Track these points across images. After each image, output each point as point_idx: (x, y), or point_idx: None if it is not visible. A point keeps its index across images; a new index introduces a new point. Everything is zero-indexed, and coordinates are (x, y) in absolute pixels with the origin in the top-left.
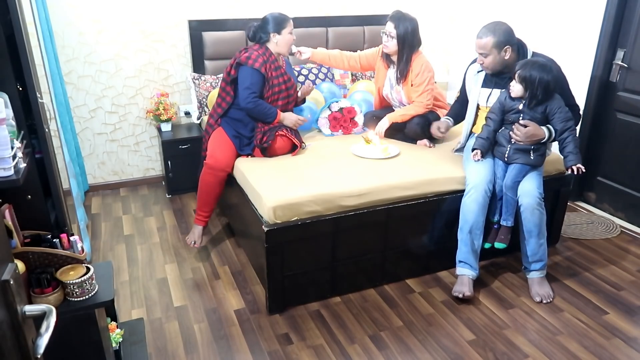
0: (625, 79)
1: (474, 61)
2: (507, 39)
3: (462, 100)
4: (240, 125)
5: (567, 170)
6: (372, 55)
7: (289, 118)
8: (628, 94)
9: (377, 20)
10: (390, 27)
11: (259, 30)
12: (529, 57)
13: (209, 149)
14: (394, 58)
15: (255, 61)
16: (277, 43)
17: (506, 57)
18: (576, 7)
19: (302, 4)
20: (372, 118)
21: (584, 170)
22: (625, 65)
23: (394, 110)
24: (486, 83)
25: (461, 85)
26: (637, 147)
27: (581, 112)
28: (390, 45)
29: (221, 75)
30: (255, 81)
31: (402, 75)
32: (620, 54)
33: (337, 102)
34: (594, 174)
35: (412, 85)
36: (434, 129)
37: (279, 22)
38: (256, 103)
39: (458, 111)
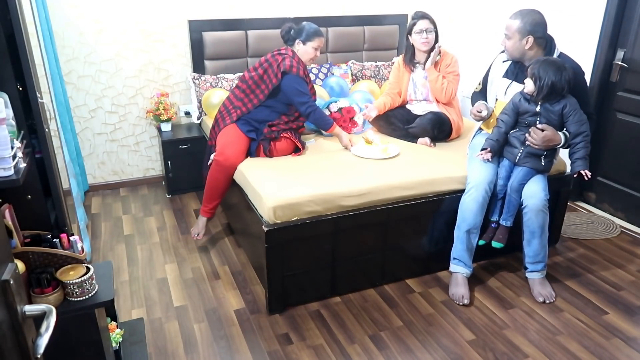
0: (625, 79)
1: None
2: (533, 30)
3: (484, 92)
4: (260, 124)
5: (574, 175)
6: (395, 74)
7: (345, 136)
8: (628, 94)
9: (377, 20)
10: (427, 23)
11: (291, 33)
12: (554, 56)
13: (218, 144)
14: (422, 57)
15: (298, 69)
16: (299, 51)
17: (526, 47)
18: (576, 7)
19: (302, 4)
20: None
21: (589, 176)
22: (625, 65)
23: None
24: (507, 74)
25: (484, 75)
26: (637, 147)
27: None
28: (431, 38)
29: (221, 75)
30: (305, 88)
31: (432, 63)
32: (620, 54)
33: (335, 102)
34: (594, 174)
35: (442, 74)
36: (474, 110)
37: (309, 35)
38: (315, 108)
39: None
